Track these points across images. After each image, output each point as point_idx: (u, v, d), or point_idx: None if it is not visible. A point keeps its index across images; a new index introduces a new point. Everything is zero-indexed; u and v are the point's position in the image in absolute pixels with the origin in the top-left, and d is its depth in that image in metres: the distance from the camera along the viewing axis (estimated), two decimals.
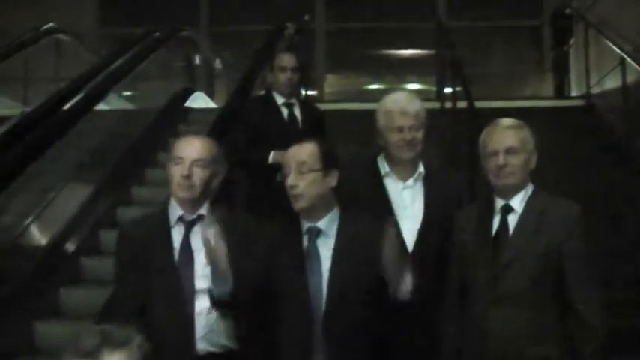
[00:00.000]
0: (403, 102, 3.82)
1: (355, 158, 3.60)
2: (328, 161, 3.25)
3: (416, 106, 3.82)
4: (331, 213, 3.28)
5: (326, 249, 3.22)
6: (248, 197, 5.40)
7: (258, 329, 3.24)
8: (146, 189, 6.88)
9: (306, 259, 3.21)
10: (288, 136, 5.15)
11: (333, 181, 3.26)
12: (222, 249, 3.04)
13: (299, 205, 3.20)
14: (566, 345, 3.19)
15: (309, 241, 3.24)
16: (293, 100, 5.49)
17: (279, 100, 5.42)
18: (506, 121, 3.42)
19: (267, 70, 5.64)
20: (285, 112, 5.41)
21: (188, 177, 3.28)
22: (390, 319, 3.21)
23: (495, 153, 3.31)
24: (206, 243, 3.04)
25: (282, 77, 5.41)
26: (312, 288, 3.16)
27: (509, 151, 3.30)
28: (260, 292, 3.19)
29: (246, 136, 5.26)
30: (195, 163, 3.30)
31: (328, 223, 3.25)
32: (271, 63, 5.58)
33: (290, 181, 3.19)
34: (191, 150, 3.33)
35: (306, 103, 5.84)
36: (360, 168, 3.96)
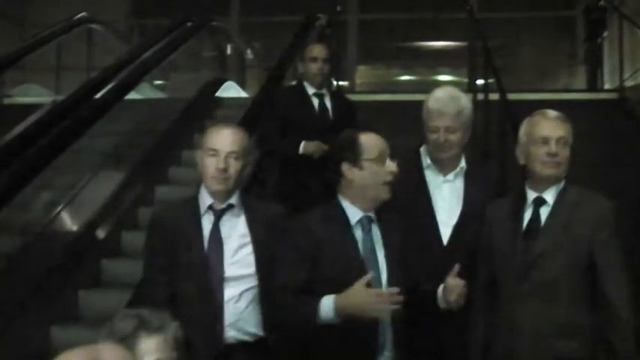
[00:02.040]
0: (443, 101, 3.76)
1: (399, 148, 3.58)
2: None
3: (456, 106, 3.75)
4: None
5: (377, 237, 3.22)
6: (278, 187, 5.41)
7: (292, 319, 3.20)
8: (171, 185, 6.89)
9: (362, 249, 3.18)
10: (319, 126, 5.16)
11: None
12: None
13: (389, 194, 3.19)
14: (597, 340, 3.17)
15: (362, 231, 3.21)
16: (324, 91, 5.51)
17: (310, 90, 5.44)
18: (554, 112, 3.38)
19: (299, 60, 5.65)
20: (316, 102, 5.43)
21: (224, 170, 3.29)
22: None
23: (546, 141, 3.27)
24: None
25: (314, 68, 5.44)
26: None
27: (560, 141, 3.27)
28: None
29: (278, 126, 5.29)
30: (229, 155, 3.31)
31: (374, 213, 3.25)
32: (302, 53, 5.62)
33: (394, 167, 3.19)
34: (226, 142, 3.33)
35: (337, 94, 5.84)
36: (402, 158, 3.94)
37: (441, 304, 3.12)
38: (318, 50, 5.54)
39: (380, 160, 3.18)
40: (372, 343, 3.09)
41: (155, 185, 6.78)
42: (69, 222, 5.78)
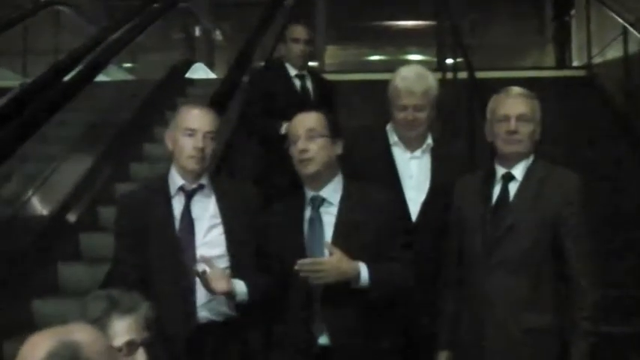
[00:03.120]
0: (411, 80, 3.77)
1: (365, 127, 3.60)
2: (334, 129, 3.31)
3: (424, 85, 3.77)
4: (334, 182, 3.31)
5: (329, 218, 3.25)
6: (261, 167, 5.44)
7: (260, 297, 3.25)
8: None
9: (309, 227, 3.24)
10: (301, 107, 5.16)
11: (338, 149, 3.31)
12: (216, 274, 3.13)
13: (309, 169, 3.23)
14: (564, 312, 3.21)
15: (312, 209, 3.26)
16: (305, 73, 5.51)
17: (292, 71, 5.45)
18: (519, 89, 3.42)
19: (280, 41, 5.69)
20: (297, 84, 5.45)
21: (202, 149, 3.30)
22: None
23: (506, 118, 3.30)
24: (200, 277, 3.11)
25: (296, 49, 5.44)
26: (312, 256, 3.15)
27: (520, 118, 3.30)
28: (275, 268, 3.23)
29: (260, 107, 5.28)
30: (207, 134, 3.32)
31: (332, 192, 3.29)
32: (284, 34, 5.62)
33: (301, 145, 3.22)
34: (204, 122, 3.35)
35: (317, 75, 5.84)
36: (369, 136, 3.97)
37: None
38: (299, 31, 5.51)
39: (292, 140, 3.28)
40: (307, 325, 3.18)
41: (130, 162, 6.86)
42: (43, 203, 5.76)
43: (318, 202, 3.27)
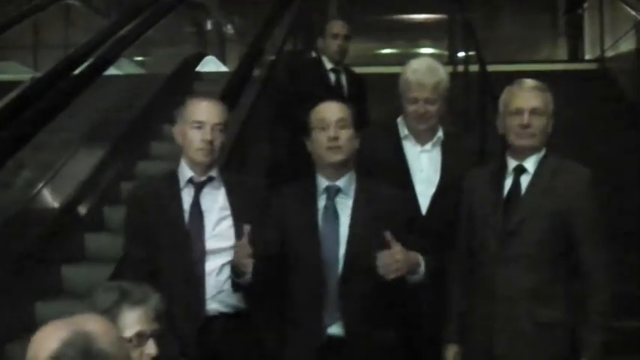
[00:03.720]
0: (422, 73, 3.76)
1: (376, 121, 3.58)
2: (356, 123, 3.33)
3: (435, 77, 3.76)
4: (350, 174, 3.32)
5: (344, 209, 3.26)
6: (285, 153, 5.53)
7: (270, 290, 3.25)
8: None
9: (323, 216, 3.25)
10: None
11: (357, 143, 3.33)
12: (246, 247, 3.07)
13: (338, 157, 3.24)
14: (575, 306, 3.20)
15: (327, 199, 3.27)
16: (340, 67, 5.60)
17: (328, 65, 5.54)
18: (531, 82, 3.39)
19: (319, 35, 5.71)
20: (332, 77, 5.54)
21: (211, 142, 3.30)
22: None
23: (519, 112, 3.28)
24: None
25: (334, 44, 5.53)
26: (327, 247, 3.18)
27: (533, 112, 3.28)
28: (274, 254, 3.21)
29: (294, 98, 5.29)
30: (215, 126, 3.32)
31: (347, 183, 3.29)
32: (322, 28, 5.66)
33: (332, 132, 3.23)
34: (212, 114, 3.35)
35: (350, 70, 5.89)
36: (380, 129, 3.97)
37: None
38: (340, 27, 5.59)
39: (320, 126, 3.27)
40: (319, 314, 3.18)
41: (137, 160, 6.81)
42: (51, 198, 5.75)
43: (334, 192, 3.27)
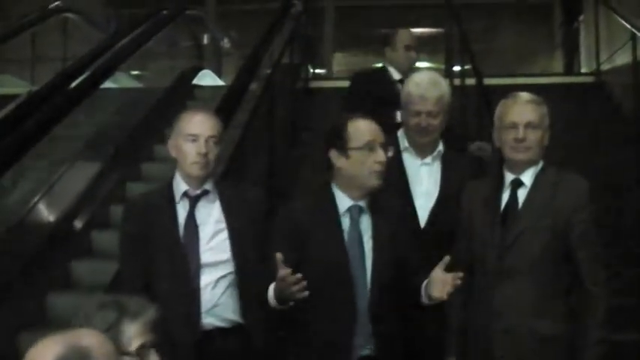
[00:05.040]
0: (425, 86, 3.76)
1: None
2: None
3: (437, 91, 3.76)
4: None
5: (365, 228, 3.20)
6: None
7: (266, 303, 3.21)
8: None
9: (348, 240, 3.17)
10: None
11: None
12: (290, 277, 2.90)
13: (380, 182, 3.17)
14: (574, 320, 3.19)
15: (351, 220, 3.19)
16: (406, 78, 5.36)
17: (396, 76, 5.31)
18: (527, 95, 3.39)
19: (387, 46, 5.43)
20: (399, 88, 5.26)
21: (205, 155, 3.29)
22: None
23: (514, 126, 3.27)
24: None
25: (406, 55, 5.33)
26: (355, 269, 3.12)
27: (528, 126, 3.27)
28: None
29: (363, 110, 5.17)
30: (209, 139, 3.31)
31: (367, 203, 3.22)
32: (391, 40, 5.41)
33: (383, 157, 3.14)
34: (206, 127, 3.34)
35: None
36: None
37: (424, 299, 3.07)
38: (411, 37, 5.42)
39: (368, 148, 3.14)
40: (350, 338, 3.09)
41: (140, 163, 6.87)
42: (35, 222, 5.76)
43: (357, 212, 3.20)
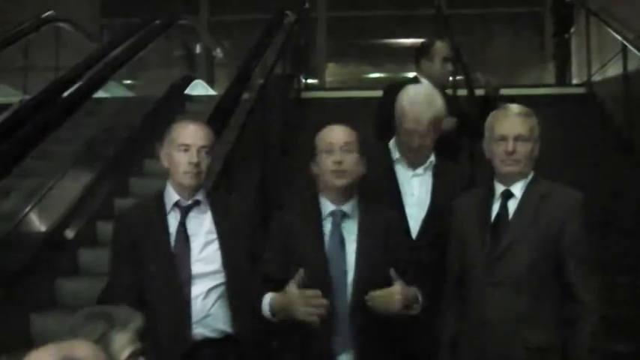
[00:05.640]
0: (419, 106, 3.74)
1: (368, 143, 3.54)
2: (361, 148, 3.31)
3: (432, 112, 3.75)
4: (354, 198, 3.31)
5: (349, 234, 3.23)
6: None
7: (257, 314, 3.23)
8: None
9: (329, 243, 3.22)
10: None
11: (364, 168, 3.32)
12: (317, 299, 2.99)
13: (343, 181, 3.23)
14: (566, 331, 3.19)
15: (333, 224, 3.24)
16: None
17: None
18: (517, 108, 3.39)
19: (422, 58, 5.27)
20: None
21: (197, 164, 3.30)
22: None
23: (504, 139, 3.29)
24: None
25: (445, 67, 5.21)
26: (335, 273, 3.16)
27: (518, 138, 3.28)
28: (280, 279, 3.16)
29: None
30: (201, 149, 3.33)
31: (352, 208, 3.28)
32: (429, 50, 5.26)
33: (337, 157, 3.22)
34: (197, 136, 3.35)
35: (448, 95, 5.42)
36: (372, 152, 3.94)
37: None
38: (448, 49, 5.29)
39: (327, 150, 3.25)
40: (328, 342, 3.12)
41: (129, 177, 6.83)
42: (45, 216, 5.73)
43: (340, 217, 3.25)
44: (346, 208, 3.27)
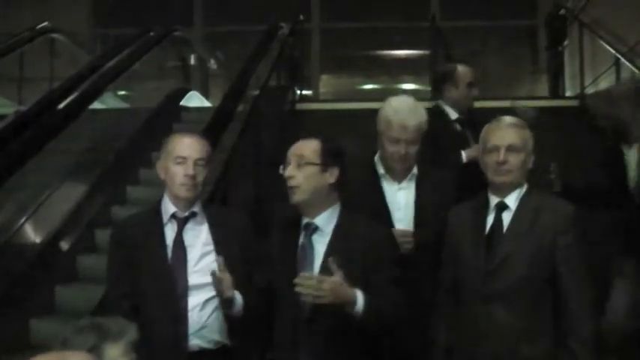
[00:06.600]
0: (404, 114, 3.77)
1: (354, 158, 3.53)
2: (329, 158, 3.21)
3: (417, 119, 3.78)
4: (330, 210, 3.25)
5: (321, 246, 3.21)
6: None
7: (252, 325, 3.25)
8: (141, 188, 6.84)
9: (300, 255, 3.20)
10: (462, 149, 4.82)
11: (331, 178, 3.21)
12: (227, 279, 3.09)
13: (296, 197, 3.19)
14: (559, 343, 3.19)
15: (304, 236, 3.23)
16: (462, 117, 5.12)
17: (452, 115, 5.08)
18: (509, 119, 3.42)
19: (446, 83, 5.16)
20: (457, 127, 5.07)
21: (193, 177, 3.32)
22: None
23: (496, 149, 3.31)
24: (213, 275, 3.09)
25: (471, 92, 5.12)
26: None
27: (510, 149, 3.29)
28: (264, 289, 3.23)
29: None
30: (197, 161, 3.35)
31: (325, 220, 3.23)
32: (453, 76, 5.15)
33: (288, 172, 3.19)
34: (194, 149, 3.37)
35: (470, 119, 5.22)
36: (359, 167, 3.95)
37: None
38: (472, 73, 5.18)
39: (286, 165, 3.22)
40: (287, 350, 3.17)
41: (126, 185, 6.84)
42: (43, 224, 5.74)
43: (311, 230, 3.23)
44: (318, 221, 3.21)
